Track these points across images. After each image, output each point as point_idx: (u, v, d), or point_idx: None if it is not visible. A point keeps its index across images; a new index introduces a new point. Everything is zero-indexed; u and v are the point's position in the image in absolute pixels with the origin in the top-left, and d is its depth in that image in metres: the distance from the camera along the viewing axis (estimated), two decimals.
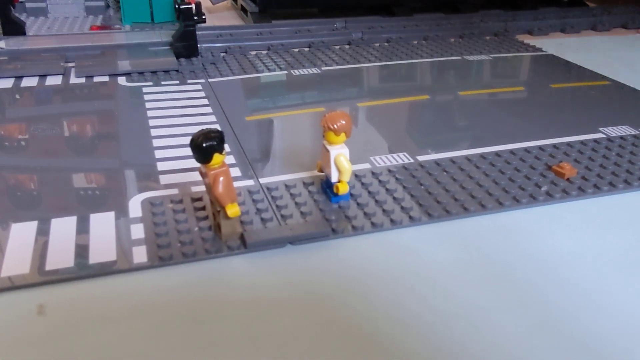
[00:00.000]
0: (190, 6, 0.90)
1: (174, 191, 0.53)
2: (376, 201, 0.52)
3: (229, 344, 0.37)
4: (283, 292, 0.42)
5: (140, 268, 0.43)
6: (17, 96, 0.78)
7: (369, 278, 0.44)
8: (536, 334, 0.38)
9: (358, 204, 0.52)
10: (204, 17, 0.92)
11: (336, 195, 0.51)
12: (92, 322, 0.39)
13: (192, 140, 0.44)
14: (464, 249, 0.47)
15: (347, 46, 1.04)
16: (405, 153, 0.62)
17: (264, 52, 0.99)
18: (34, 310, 0.40)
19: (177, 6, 0.91)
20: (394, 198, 0.53)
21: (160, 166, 0.58)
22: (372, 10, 1.26)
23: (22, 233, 0.47)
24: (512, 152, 0.63)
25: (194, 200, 0.51)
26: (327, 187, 0.53)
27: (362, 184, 0.55)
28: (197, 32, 0.93)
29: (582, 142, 0.66)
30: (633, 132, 0.69)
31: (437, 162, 0.60)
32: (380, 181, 0.56)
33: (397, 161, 0.60)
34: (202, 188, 0.51)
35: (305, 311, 0.40)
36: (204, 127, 0.67)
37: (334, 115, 0.50)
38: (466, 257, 0.46)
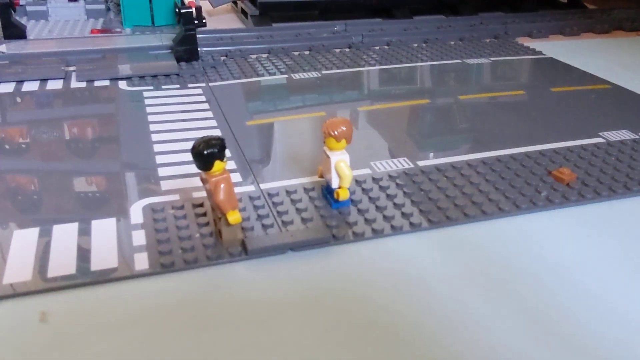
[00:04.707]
0: (190, 10, 0.90)
1: (175, 197, 0.53)
2: (377, 207, 0.52)
3: (230, 351, 0.37)
4: (284, 299, 0.42)
5: (141, 275, 0.44)
6: (19, 100, 0.78)
7: (369, 284, 0.44)
8: (537, 341, 0.39)
9: (359, 209, 0.52)
10: (204, 20, 0.93)
11: (337, 201, 0.51)
12: (94, 329, 0.39)
13: (193, 148, 0.44)
14: (464, 255, 0.47)
15: (347, 49, 1.04)
16: (405, 158, 0.62)
17: (265, 55, 1.00)
18: (36, 317, 0.40)
19: (177, 10, 0.91)
20: (395, 204, 0.53)
21: (162, 171, 0.59)
22: (372, 13, 1.26)
23: (24, 240, 0.47)
24: (512, 157, 0.63)
25: (195, 206, 0.52)
26: (327, 193, 0.53)
27: (363, 189, 0.55)
28: (197, 36, 0.93)
29: (582, 147, 0.66)
30: (632, 136, 0.69)
31: (437, 168, 0.60)
32: (380, 187, 0.56)
33: (398, 166, 0.60)
34: (204, 194, 0.51)
35: (306, 317, 0.40)
36: (205, 132, 0.68)
37: (334, 121, 0.50)
38: (467, 264, 0.46)
